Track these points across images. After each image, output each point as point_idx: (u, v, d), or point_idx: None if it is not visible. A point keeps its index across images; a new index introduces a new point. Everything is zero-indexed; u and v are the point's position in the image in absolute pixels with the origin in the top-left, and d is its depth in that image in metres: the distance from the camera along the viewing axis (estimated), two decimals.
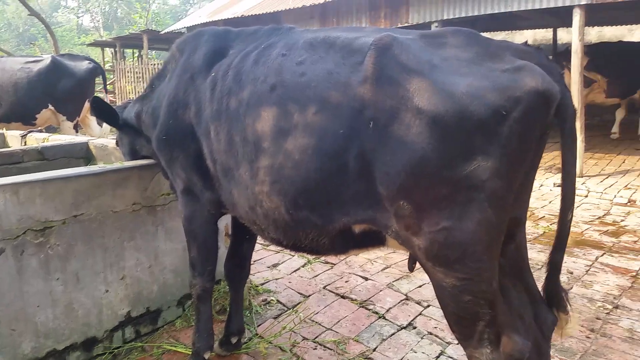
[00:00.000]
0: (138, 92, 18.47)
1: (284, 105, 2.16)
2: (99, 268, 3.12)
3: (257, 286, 4.13)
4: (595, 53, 9.92)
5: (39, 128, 8.43)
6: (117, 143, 3.68)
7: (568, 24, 8.85)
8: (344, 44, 2.16)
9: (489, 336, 1.96)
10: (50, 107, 8.50)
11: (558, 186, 7.10)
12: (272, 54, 2.36)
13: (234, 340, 3.24)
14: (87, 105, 8.86)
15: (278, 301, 3.95)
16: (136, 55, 24.86)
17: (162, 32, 19.21)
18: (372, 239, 2.22)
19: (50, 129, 9.86)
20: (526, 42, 14.35)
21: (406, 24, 10.20)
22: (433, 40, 2.05)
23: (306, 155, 2.08)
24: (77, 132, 8.78)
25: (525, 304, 2.18)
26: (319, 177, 2.08)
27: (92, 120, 9.17)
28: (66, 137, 5.15)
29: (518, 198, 2.01)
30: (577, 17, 7.68)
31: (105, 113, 3.24)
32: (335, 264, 4.66)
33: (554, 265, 2.16)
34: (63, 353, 2.98)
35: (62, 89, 8.49)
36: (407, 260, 2.37)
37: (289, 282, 4.30)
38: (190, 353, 3.09)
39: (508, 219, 1.94)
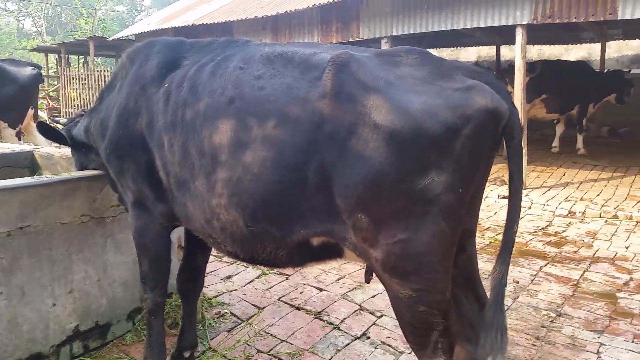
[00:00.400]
0: (83, 98, 17.96)
1: (242, 119, 2.16)
2: (45, 281, 3.02)
3: (210, 299, 4.08)
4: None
5: None
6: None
7: (511, 42, 9.24)
8: (302, 59, 2.19)
9: (443, 345, 2.02)
10: None
11: (503, 197, 7.36)
12: (229, 66, 2.36)
13: (186, 354, 3.18)
14: (30, 112, 8.55)
15: (232, 314, 3.92)
16: (82, 61, 24.15)
17: (110, 39, 18.77)
18: (330, 252, 2.25)
19: None
20: (476, 62, 14.89)
21: (357, 39, 10.38)
22: (388, 59, 2.11)
23: (265, 168, 2.09)
24: (19, 140, 8.44)
25: (477, 314, 2.26)
26: (278, 189, 2.09)
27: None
28: (9, 146, 4.93)
29: (469, 211, 2.09)
30: (519, 35, 8.01)
31: (51, 134, 3.21)
32: (290, 275, 4.66)
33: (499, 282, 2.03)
34: None
35: (4, 95, 8.14)
36: (360, 270, 2.41)
37: (243, 294, 4.27)
38: None
39: (460, 230, 2.02)
